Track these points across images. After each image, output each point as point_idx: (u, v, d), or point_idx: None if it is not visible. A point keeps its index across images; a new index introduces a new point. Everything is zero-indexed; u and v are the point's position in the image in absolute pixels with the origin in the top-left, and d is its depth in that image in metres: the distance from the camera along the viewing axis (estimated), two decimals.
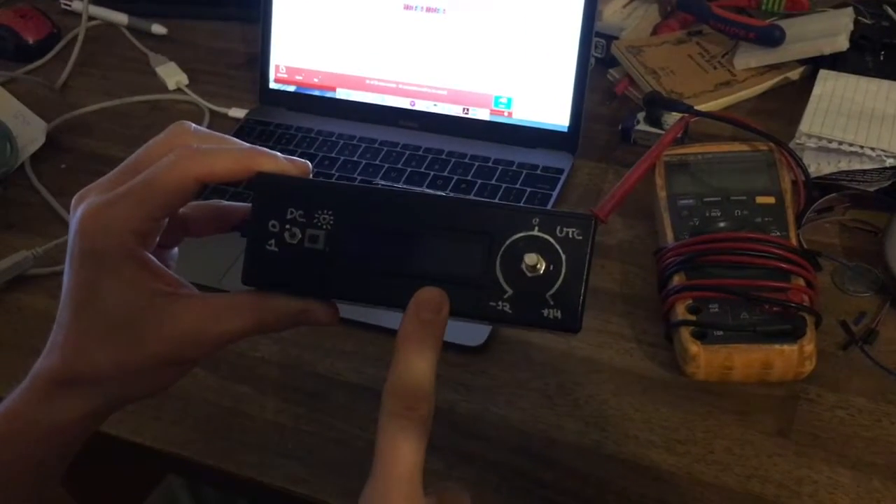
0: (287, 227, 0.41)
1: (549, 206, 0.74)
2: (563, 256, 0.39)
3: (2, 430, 0.41)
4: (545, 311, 0.39)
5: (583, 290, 0.38)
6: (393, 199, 0.41)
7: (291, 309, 0.42)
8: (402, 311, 0.39)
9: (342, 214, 0.41)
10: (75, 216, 0.40)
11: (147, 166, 0.40)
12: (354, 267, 0.41)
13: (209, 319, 0.41)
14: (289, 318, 0.42)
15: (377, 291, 0.41)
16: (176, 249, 0.47)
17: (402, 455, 0.36)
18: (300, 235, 0.41)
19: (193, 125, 0.43)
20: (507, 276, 0.39)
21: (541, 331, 0.40)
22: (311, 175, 0.43)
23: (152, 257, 0.41)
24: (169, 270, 0.42)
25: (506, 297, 0.39)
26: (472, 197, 0.38)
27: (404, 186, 0.42)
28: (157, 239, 0.42)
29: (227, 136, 0.43)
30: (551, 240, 0.39)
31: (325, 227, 0.41)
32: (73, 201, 0.41)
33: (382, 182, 0.78)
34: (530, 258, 0.38)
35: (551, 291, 0.39)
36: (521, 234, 0.39)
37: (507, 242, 0.39)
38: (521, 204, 0.40)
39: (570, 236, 0.39)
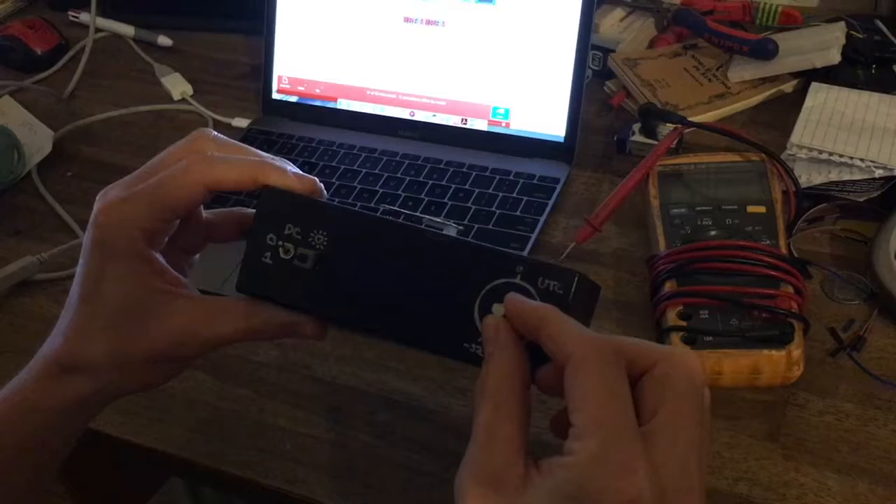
0: (282, 242, 0.42)
1: (544, 215, 0.75)
2: None
3: (4, 411, 0.43)
4: None
5: None
6: (386, 230, 0.41)
7: (278, 320, 0.43)
8: (378, 339, 0.39)
9: (335, 237, 0.41)
10: (94, 209, 0.43)
11: (165, 169, 0.42)
12: (338, 289, 0.41)
13: (202, 321, 0.42)
14: (276, 328, 0.43)
15: (356, 316, 0.41)
16: (198, 256, 0.48)
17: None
18: (293, 252, 0.42)
19: (214, 132, 0.45)
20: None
21: None
22: (322, 192, 0.44)
23: (157, 255, 0.43)
24: (172, 270, 0.44)
25: (479, 340, 0.38)
26: (461, 237, 0.37)
27: (394, 219, 0.43)
28: (166, 239, 0.44)
29: (245, 146, 0.44)
30: (531, 290, 0.38)
31: (317, 247, 0.41)
32: (97, 196, 0.43)
33: (382, 189, 0.80)
34: (497, 308, 0.38)
35: (524, 342, 0.37)
36: (503, 281, 0.38)
37: (488, 287, 0.39)
38: (511, 251, 0.40)
39: (551, 289, 0.38)
